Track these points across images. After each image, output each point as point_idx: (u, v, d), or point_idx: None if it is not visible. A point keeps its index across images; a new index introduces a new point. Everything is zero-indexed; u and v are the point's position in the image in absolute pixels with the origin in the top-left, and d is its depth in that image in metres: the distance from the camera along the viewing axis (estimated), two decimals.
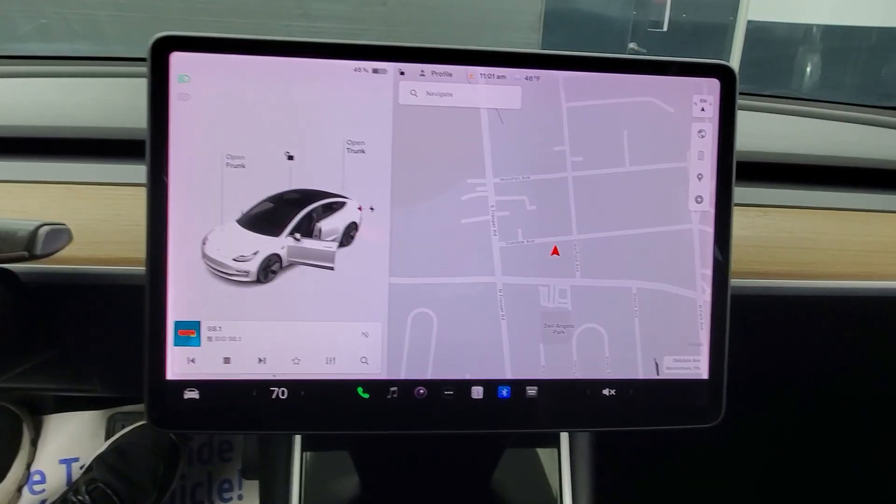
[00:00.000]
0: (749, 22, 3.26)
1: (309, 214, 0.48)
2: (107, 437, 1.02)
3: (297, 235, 0.48)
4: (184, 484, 1.04)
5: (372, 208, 0.48)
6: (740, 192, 0.65)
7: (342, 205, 0.48)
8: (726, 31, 3.36)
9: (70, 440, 1.02)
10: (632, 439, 0.79)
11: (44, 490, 1.00)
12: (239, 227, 0.47)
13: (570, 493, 0.67)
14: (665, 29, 3.37)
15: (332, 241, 0.48)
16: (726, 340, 0.51)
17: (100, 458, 0.92)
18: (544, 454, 0.73)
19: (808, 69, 3.43)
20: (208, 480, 1.06)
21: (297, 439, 0.68)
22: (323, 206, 0.47)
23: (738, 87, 0.50)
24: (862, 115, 0.76)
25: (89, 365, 0.66)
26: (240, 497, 1.07)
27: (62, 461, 1.02)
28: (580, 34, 3.37)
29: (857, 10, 3.25)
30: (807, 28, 3.42)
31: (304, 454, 0.67)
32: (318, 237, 0.48)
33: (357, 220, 0.48)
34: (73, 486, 0.90)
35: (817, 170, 0.70)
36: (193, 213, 0.47)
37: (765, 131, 0.75)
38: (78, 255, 0.56)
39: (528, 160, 0.49)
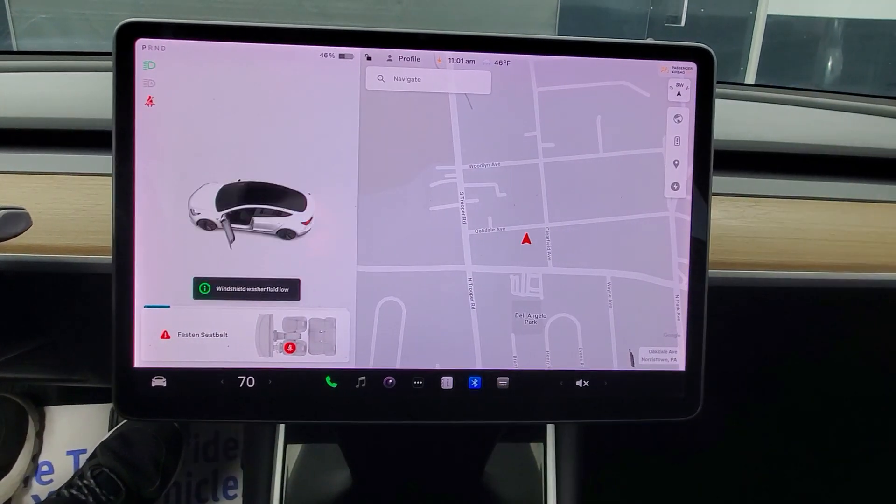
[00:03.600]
0: (768, 16, 3.20)
1: (252, 210, 0.47)
2: (110, 428, 1.03)
3: (224, 217, 0.47)
4: (189, 480, 1.05)
5: (335, 202, 0.47)
6: (730, 182, 0.64)
7: (288, 214, 0.47)
8: (745, 25, 3.31)
9: (76, 432, 1.04)
10: (618, 434, 0.78)
11: (51, 480, 1.02)
12: (215, 190, 0.47)
13: (555, 487, 0.66)
14: (682, 24, 3.32)
15: (253, 230, 0.47)
16: (704, 331, 0.49)
17: (104, 445, 0.94)
18: (536, 449, 0.72)
19: (830, 63, 3.36)
20: (213, 477, 1.07)
21: (281, 433, 0.67)
22: (265, 209, 0.47)
23: (716, 71, 0.49)
24: (859, 103, 0.73)
25: (77, 355, 0.67)
26: None
27: (69, 452, 1.03)
28: (595, 29, 3.34)
29: (878, 2, 3.18)
30: (827, 21, 3.35)
31: (286, 447, 0.67)
32: (249, 226, 0.47)
33: (296, 231, 0.47)
34: (78, 472, 0.91)
35: (811, 159, 0.68)
36: (159, 201, 0.46)
37: (762, 121, 0.73)
38: (58, 245, 0.56)
39: (498, 146, 0.48)
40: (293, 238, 0.47)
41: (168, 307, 0.47)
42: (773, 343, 0.67)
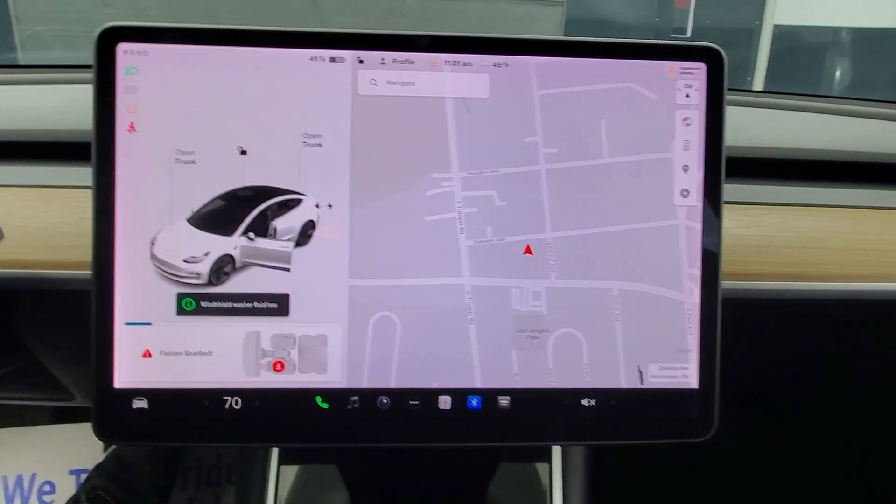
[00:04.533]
0: (775, 26, 3.18)
1: (263, 213, 0.45)
2: (104, 449, 1.01)
3: (251, 235, 0.45)
4: None
5: (330, 205, 0.45)
6: (742, 190, 0.61)
7: (298, 202, 0.45)
8: (752, 35, 3.29)
9: (77, 450, 1.01)
10: (628, 455, 0.74)
11: (52, 501, 1.00)
12: (189, 226, 0.45)
13: None
14: (689, 35, 3.31)
15: (289, 240, 0.45)
16: (717, 346, 0.46)
17: (99, 467, 0.92)
18: (542, 469, 0.69)
19: (839, 73, 3.33)
20: (216, 503, 1.04)
21: (274, 454, 0.65)
22: (278, 203, 0.45)
23: (727, 71, 0.46)
24: (872, 108, 0.71)
25: (63, 374, 0.64)
26: None
27: (72, 472, 1.01)
28: None
29: (886, 12, 3.16)
30: (835, 31, 3.32)
31: (280, 468, 0.64)
32: (274, 237, 0.45)
33: (314, 219, 0.45)
34: (74, 497, 0.89)
35: (828, 165, 0.65)
36: (141, 212, 0.44)
37: (774, 127, 0.71)
38: (42, 259, 0.54)
39: (498, 152, 0.46)
40: (312, 235, 0.45)
41: (150, 324, 0.45)
42: (791, 358, 0.64)
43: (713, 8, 3.38)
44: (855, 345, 0.64)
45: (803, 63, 3.47)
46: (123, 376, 0.45)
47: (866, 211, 0.61)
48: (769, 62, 3.18)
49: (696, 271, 0.46)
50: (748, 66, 3.23)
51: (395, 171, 0.45)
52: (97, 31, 0.44)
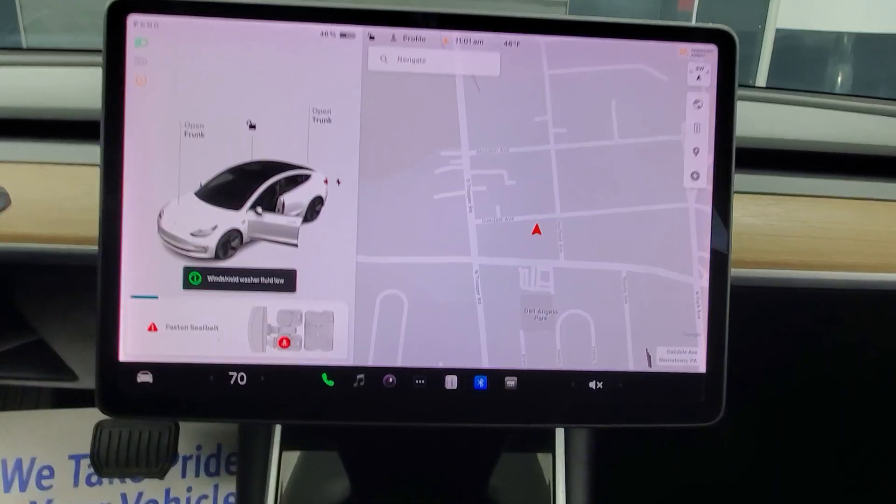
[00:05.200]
0: (778, 30, 3.18)
1: (272, 187, 0.45)
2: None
3: (259, 209, 0.45)
4: (189, 496, 1.02)
5: (338, 181, 0.45)
6: (753, 180, 0.61)
7: (307, 177, 0.45)
8: (755, 39, 3.29)
9: (79, 435, 1.01)
10: (632, 443, 0.74)
11: (52, 486, 0.99)
12: (197, 199, 0.44)
13: (564, 500, 0.62)
14: None
15: (296, 215, 0.45)
16: (726, 331, 0.46)
17: None
18: (545, 460, 0.69)
19: (839, 77, 3.34)
20: (214, 493, 1.04)
21: (277, 438, 0.64)
22: (286, 178, 0.44)
23: (738, 54, 0.46)
24: (877, 105, 0.71)
25: (66, 352, 0.64)
26: None
27: (71, 457, 1.00)
28: None
29: (887, 17, 3.17)
30: (837, 35, 3.33)
31: (282, 454, 0.64)
32: (282, 212, 0.45)
33: (322, 194, 0.45)
34: None
35: (836, 158, 0.65)
36: (149, 184, 0.44)
37: (782, 121, 0.71)
38: (44, 234, 0.54)
39: (508, 131, 0.46)
40: (320, 211, 0.44)
41: (156, 297, 0.44)
42: (794, 345, 0.64)
43: (716, 11, 3.39)
44: (859, 333, 0.64)
45: (805, 66, 3.48)
46: (128, 349, 0.44)
47: (871, 202, 0.62)
48: (771, 64, 3.19)
49: (706, 255, 0.46)
50: (751, 68, 3.24)
51: (404, 148, 0.45)
52: (108, 2, 0.44)
